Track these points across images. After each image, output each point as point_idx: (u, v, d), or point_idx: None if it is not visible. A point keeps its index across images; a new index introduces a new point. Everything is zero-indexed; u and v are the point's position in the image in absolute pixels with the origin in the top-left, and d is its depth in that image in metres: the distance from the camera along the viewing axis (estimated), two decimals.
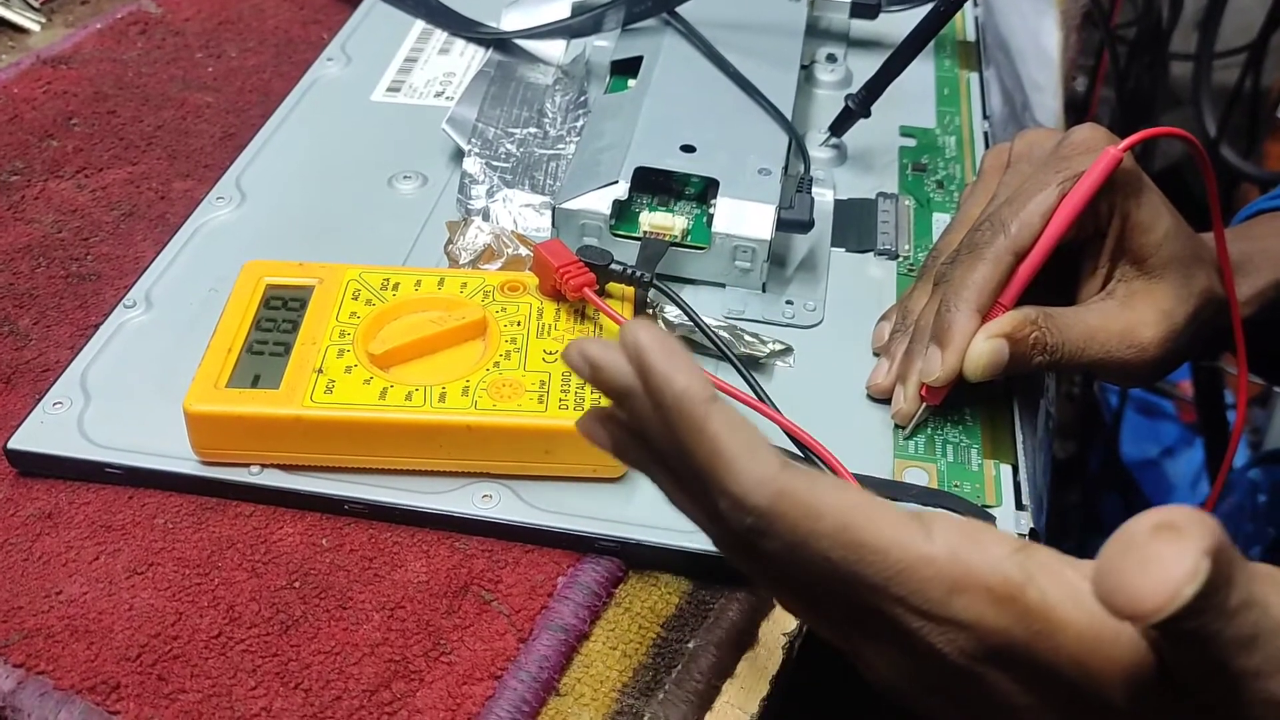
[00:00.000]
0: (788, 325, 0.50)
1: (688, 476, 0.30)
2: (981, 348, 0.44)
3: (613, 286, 0.47)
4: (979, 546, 0.29)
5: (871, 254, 0.55)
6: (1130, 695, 0.28)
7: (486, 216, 0.54)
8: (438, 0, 0.69)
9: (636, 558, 0.42)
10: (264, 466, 0.43)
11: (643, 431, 0.30)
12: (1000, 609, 0.28)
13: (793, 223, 0.51)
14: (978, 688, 0.29)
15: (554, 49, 0.64)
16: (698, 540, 0.41)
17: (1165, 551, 0.24)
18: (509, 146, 0.57)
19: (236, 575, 0.41)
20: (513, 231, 0.51)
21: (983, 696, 0.30)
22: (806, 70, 0.65)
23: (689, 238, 0.51)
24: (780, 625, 0.41)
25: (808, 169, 0.55)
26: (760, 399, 0.43)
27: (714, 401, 0.29)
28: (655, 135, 0.53)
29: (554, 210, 0.51)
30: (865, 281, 0.53)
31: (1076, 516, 1.16)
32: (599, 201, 0.50)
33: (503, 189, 0.55)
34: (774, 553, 0.29)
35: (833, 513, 0.28)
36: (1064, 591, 0.28)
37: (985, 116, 0.64)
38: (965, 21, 0.72)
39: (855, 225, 0.56)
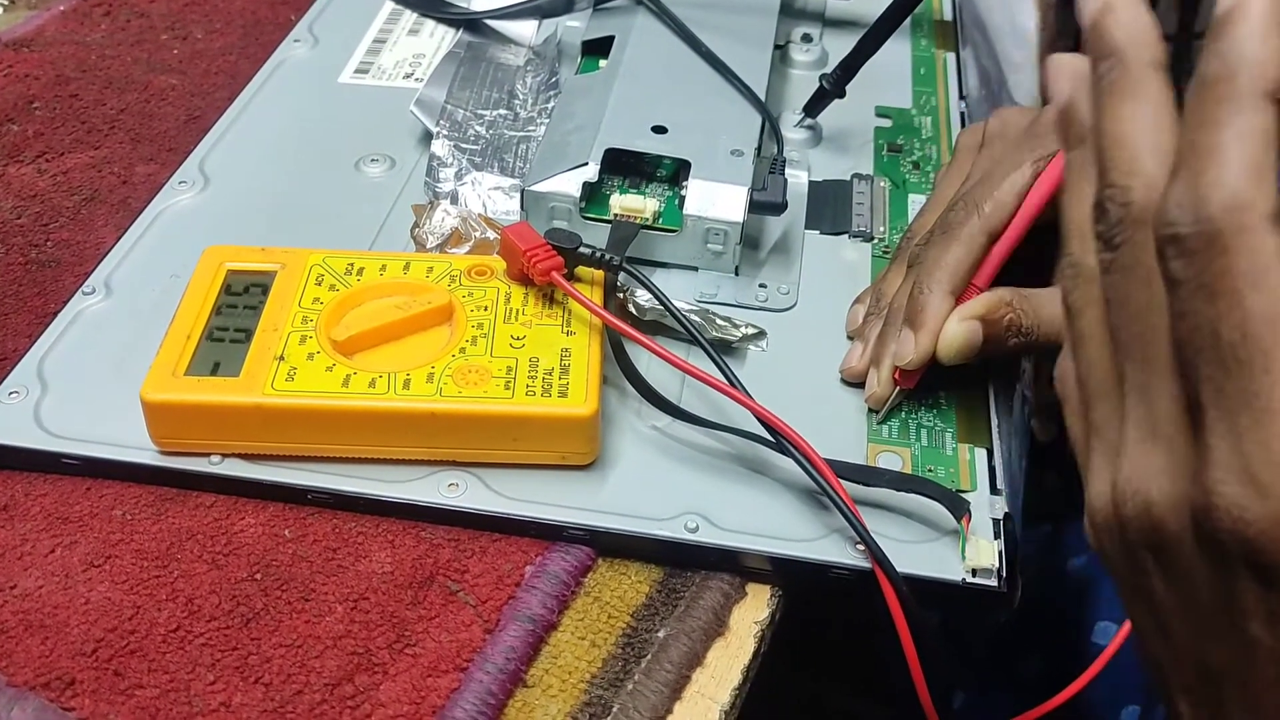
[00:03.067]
0: (761, 309, 0.50)
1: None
2: (955, 330, 0.43)
3: (582, 270, 0.46)
4: None
5: (846, 236, 0.54)
6: None
7: (455, 200, 0.53)
8: None
9: (606, 546, 0.41)
10: (225, 456, 0.42)
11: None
12: None
13: (766, 205, 0.50)
14: (1227, 586, 0.24)
15: (525, 29, 0.63)
16: (668, 528, 0.41)
17: None
18: (478, 128, 0.56)
19: (196, 567, 0.40)
20: (481, 215, 0.50)
21: (1223, 599, 0.25)
22: (781, 50, 0.65)
23: (660, 220, 0.51)
24: (752, 614, 0.41)
25: (781, 150, 0.54)
26: (732, 384, 0.42)
27: (1266, 98, 0.23)
28: (626, 116, 0.52)
29: (522, 193, 0.50)
30: (840, 264, 0.52)
31: (1057, 498, 1.16)
32: (568, 184, 0.50)
33: (472, 171, 0.54)
34: (1172, 277, 0.24)
35: (1266, 294, 0.23)
36: None
37: (962, 96, 0.63)
38: (942, 0, 0.71)
39: (830, 207, 0.55)
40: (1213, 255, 0.23)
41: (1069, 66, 0.29)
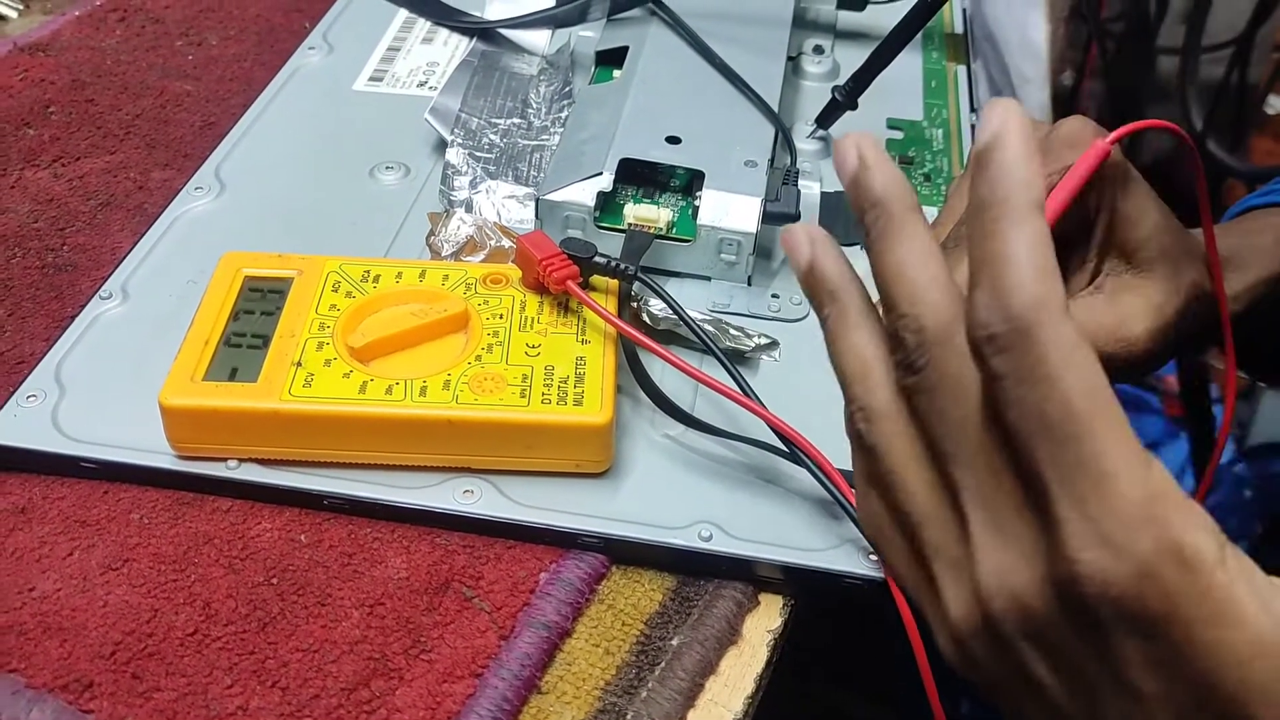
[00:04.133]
0: (773, 319, 0.50)
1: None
2: None
3: (596, 279, 0.46)
4: (1186, 508, 0.25)
5: (858, 247, 0.54)
6: None
7: (469, 208, 0.53)
8: None
9: (620, 554, 0.41)
10: (241, 461, 0.42)
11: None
12: (1180, 572, 0.25)
13: (779, 215, 0.50)
14: (1104, 647, 0.26)
15: (539, 39, 0.64)
16: (682, 536, 0.41)
17: None
18: (492, 137, 0.56)
19: (213, 571, 0.40)
20: (495, 223, 0.51)
21: (1103, 661, 0.26)
22: (793, 62, 0.65)
23: (674, 230, 0.51)
24: (765, 622, 0.41)
25: (794, 161, 0.54)
26: (745, 393, 0.43)
27: (1037, 208, 0.26)
28: (640, 126, 0.53)
29: (537, 202, 0.50)
30: None
31: None
32: (583, 193, 0.50)
33: (486, 180, 0.54)
34: (991, 374, 0.26)
35: (1079, 372, 0.25)
36: (1256, 587, 0.25)
37: (973, 109, 0.63)
38: (953, 13, 0.71)
39: (842, 218, 0.55)
40: (1027, 347, 0.25)
41: (802, 234, 0.31)
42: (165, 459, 0.42)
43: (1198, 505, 0.25)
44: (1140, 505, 0.25)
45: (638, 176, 0.52)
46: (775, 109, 0.55)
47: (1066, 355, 0.25)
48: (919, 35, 0.58)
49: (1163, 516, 0.25)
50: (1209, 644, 0.25)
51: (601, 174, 0.50)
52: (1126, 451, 0.25)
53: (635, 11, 0.62)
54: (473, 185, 0.54)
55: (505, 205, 0.53)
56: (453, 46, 0.65)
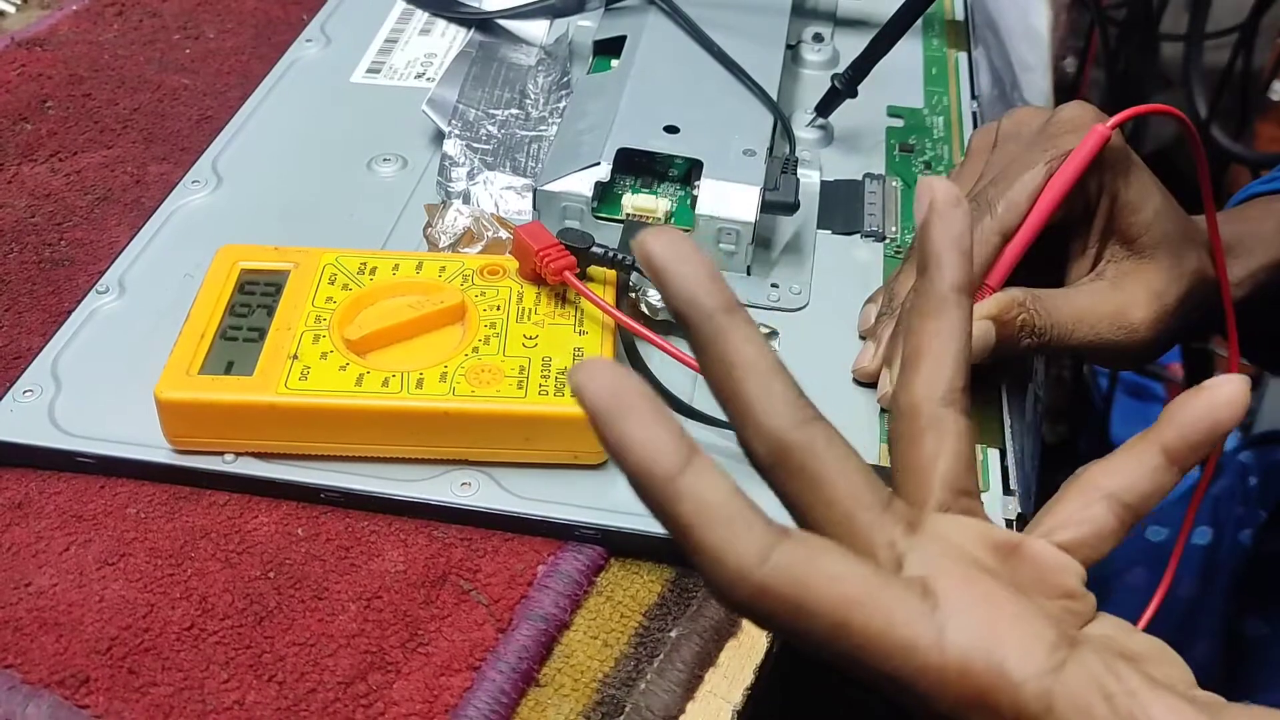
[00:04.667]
0: (773, 308, 0.50)
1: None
2: None
3: (594, 270, 0.46)
4: (999, 658, 0.25)
5: (858, 236, 0.54)
6: None
7: (467, 199, 0.53)
8: None
9: (618, 545, 0.41)
10: (238, 455, 0.42)
11: None
12: None
13: (778, 204, 0.50)
14: None
15: (537, 29, 0.63)
16: None
17: None
18: (490, 128, 0.56)
19: (210, 566, 0.40)
20: (493, 214, 0.50)
21: None
22: (793, 50, 0.65)
23: (673, 220, 0.51)
24: None
25: (793, 150, 0.54)
26: None
27: (680, 475, 0.25)
28: (638, 116, 0.52)
29: (535, 192, 0.50)
30: (851, 264, 0.52)
31: None
32: (581, 183, 0.50)
33: (484, 171, 0.54)
34: (768, 629, 0.27)
35: (827, 609, 0.25)
36: None
37: (974, 96, 0.63)
38: (954, 0, 0.71)
39: (842, 207, 0.55)
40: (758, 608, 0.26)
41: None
42: (162, 453, 0.42)
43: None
44: None
45: (636, 166, 0.52)
46: (774, 97, 0.55)
47: (810, 615, 0.26)
48: (919, 22, 0.58)
49: None
50: None
51: (599, 164, 0.50)
52: None
53: (633, 0, 0.62)
54: (470, 176, 0.54)
55: (503, 196, 0.53)
56: (450, 38, 0.65)
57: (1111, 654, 0.27)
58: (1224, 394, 0.29)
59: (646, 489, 0.25)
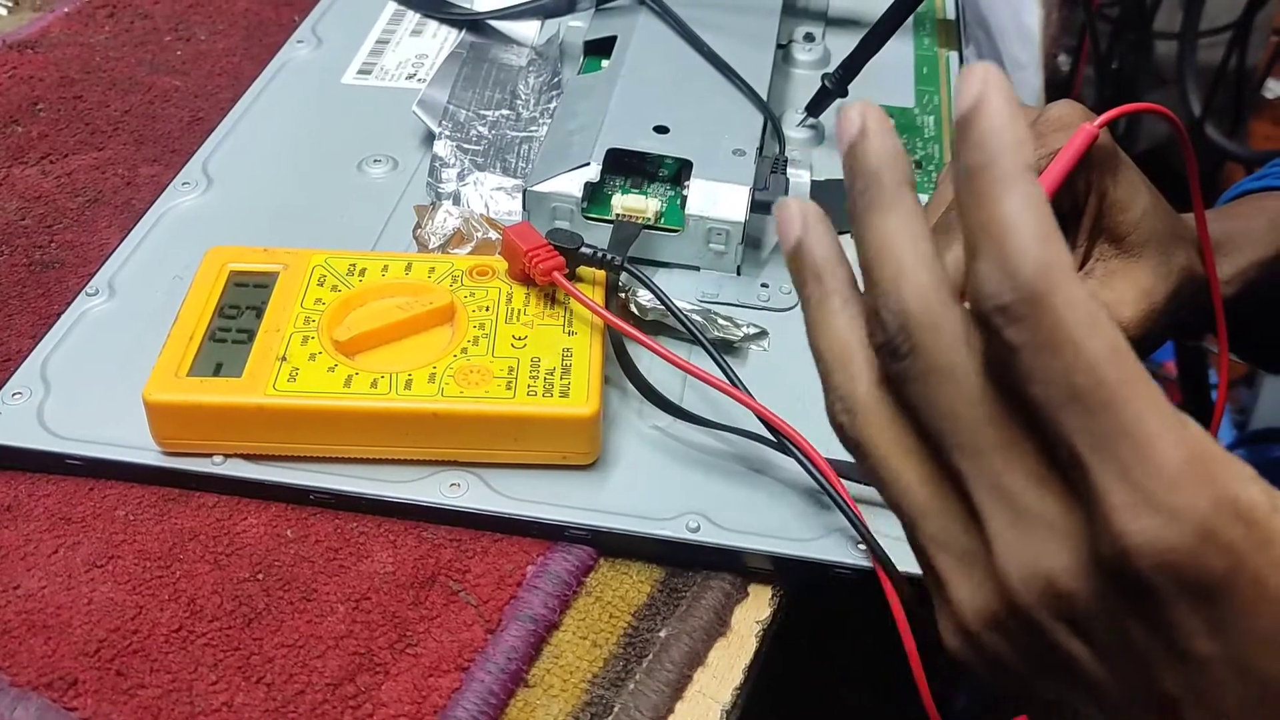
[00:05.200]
0: (762, 308, 0.50)
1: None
2: None
3: (584, 270, 0.46)
4: (1230, 462, 0.24)
5: (848, 235, 0.54)
6: None
7: (457, 200, 0.53)
8: None
9: (608, 546, 0.41)
10: (227, 456, 0.42)
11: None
12: (1239, 527, 0.23)
13: (767, 204, 0.50)
14: (1159, 619, 0.25)
15: (527, 30, 0.63)
16: (670, 528, 0.41)
17: None
18: (481, 129, 0.56)
19: (199, 568, 0.40)
20: (482, 215, 0.50)
21: (1157, 633, 0.25)
22: (783, 49, 0.65)
23: (662, 220, 0.51)
24: (754, 613, 0.41)
25: (783, 150, 0.54)
26: (734, 383, 0.42)
27: (1029, 171, 0.25)
28: (628, 116, 0.52)
29: (525, 193, 0.50)
30: None
31: None
32: (570, 184, 0.50)
33: (474, 172, 0.54)
34: (1006, 347, 0.24)
35: (1106, 348, 0.23)
36: None
37: None
38: None
39: (832, 207, 0.55)
40: (1042, 315, 0.24)
41: (796, 209, 0.31)
42: (150, 455, 0.42)
43: (1238, 458, 0.24)
44: (1188, 465, 0.23)
45: (625, 166, 0.52)
46: (764, 97, 0.55)
47: (1086, 320, 0.24)
48: (910, 21, 0.58)
49: (1212, 474, 0.23)
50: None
51: (589, 164, 0.50)
52: (1163, 413, 0.24)
53: (624, 1, 0.62)
54: (460, 177, 0.54)
55: (493, 197, 0.53)
56: (441, 39, 0.65)
57: None
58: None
59: (991, 165, 0.25)
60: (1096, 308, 0.24)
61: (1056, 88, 0.90)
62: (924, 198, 0.55)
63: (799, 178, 0.55)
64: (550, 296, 0.45)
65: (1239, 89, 1.22)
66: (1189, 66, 1.05)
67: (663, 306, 0.45)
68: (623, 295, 0.47)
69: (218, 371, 0.42)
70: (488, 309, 0.45)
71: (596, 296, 0.45)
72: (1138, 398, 0.24)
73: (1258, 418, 1.24)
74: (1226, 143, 1.06)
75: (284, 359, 0.42)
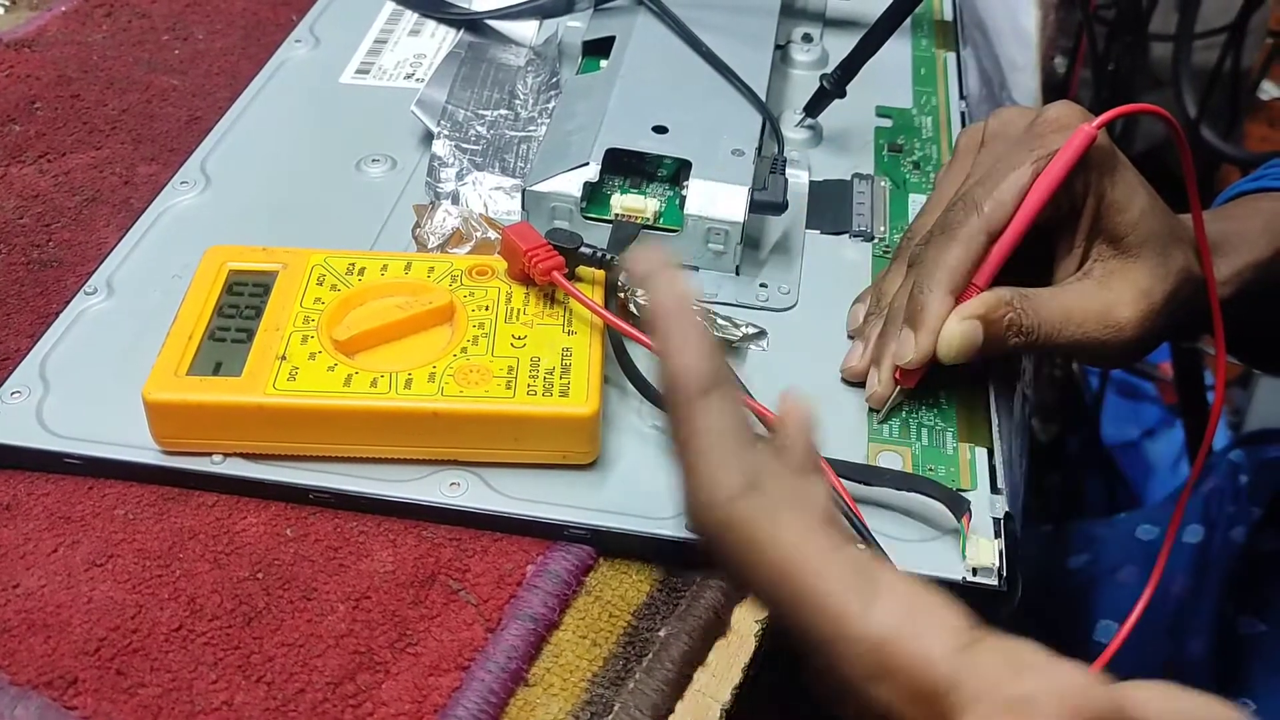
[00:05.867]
0: (761, 308, 0.50)
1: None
2: (955, 329, 0.43)
3: (583, 270, 0.46)
4: (918, 635, 0.28)
5: (846, 236, 0.54)
6: None
7: (456, 200, 0.53)
8: None
9: (608, 545, 0.41)
10: (227, 455, 0.42)
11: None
12: (917, 708, 0.28)
13: (766, 204, 0.50)
14: None
15: (526, 30, 0.63)
16: (669, 527, 0.41)
17: None
18: (479, 129, 0.56)
19: (198, 566, 0.40)
20: (481, 215, 0.50)
21: None
22: (782, 50, 0.65)
23: (661, 220, 0.51)
24: (753, 613, 0.41)
25: (782, 150, 0.54)
26: None
27: (707, 395, 0.29)
28: (627, 116, 0.52)
29: (524, 193, 0.50)
30: (840, 264, 0.52)
31: (1057, 498, 1.16)
32: (569, 184, 0.50)
33: (473, 172, 0.54)
34: (722, 564, 0.30)
35: (774, 556, 0.28)
36: (991, 710, 0.27)
37: (962, 96, 0.63)
38: (942, 0, 0.71)
39: (830, 207, 0.55)
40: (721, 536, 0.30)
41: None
42: (150, 454, 0.42)
43: None
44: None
45: (624, 166, 0.52)
46: (763, 98, 0.55)
47: (758, 561, 0.29)
48: (908, 22, 0.58)
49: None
50: None
51: (588, 164, 0.50)
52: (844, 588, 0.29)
53: (622, 1, 0.62)
54: (459, 177, 0.54)
55: (492, 197, 0.53)
56: (440, 38, 0.65)
57: (1009, 652, 0.29)
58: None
59: (673, 396, 0.29)
60: (761, 528, 0.29)
61: (1052, 90, 0.90)
62: (921, 199, 0.55)
63: (797, 178, 0.56)
64: (549, 296, 0.45)
65: (1234, 91, 1.22)
66: (1184, 68, 1.05)
67: None
68: (622, 295, 0.47)
69: (217, 370, 0.42)
70: (487, 308, 0.45)
71: (596, 296, 0.45)
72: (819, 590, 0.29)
73: (1252, 419, 1.24)
74: (1222, 144, 1.06)
75: (283, 358, 0.42)
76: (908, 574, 0.31)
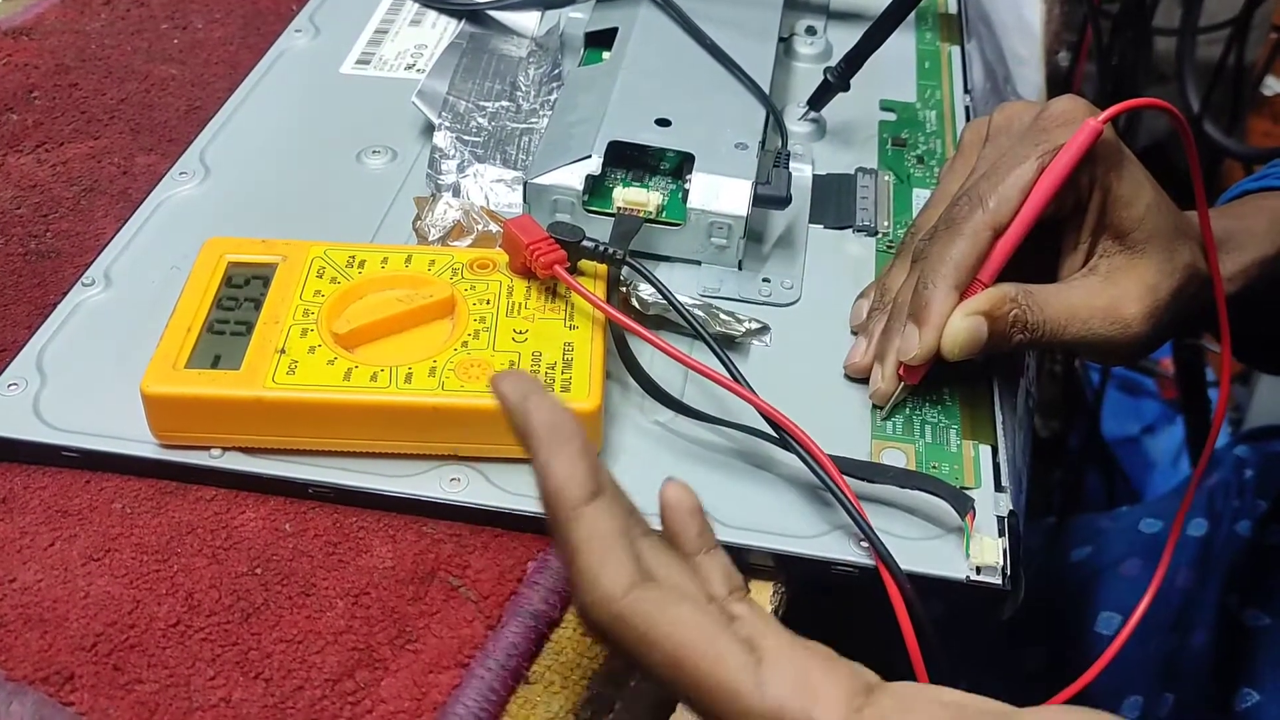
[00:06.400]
0: (764, 303, 0.49)
1: None
2: (959, 325, 0.43)
3: (585, 264, 0.46)
4: (808, 705, 0.29)
5: (850, 230, 0.54)
6: None
7: (457, 192, 0.52)
8: None
9: None
10: (225, 449, 0.42)
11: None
12: None
13: (770, 198, 0.50)
14: None
15: (528, 21, 0.63)
16: None
17: None
18: (480, 120, 0.56)
19: (196, 561, 0.39)
20: (483, 207, 0.50)
21: None
22: (785, 43, 0.64)
23: (664, 214, 0.50)
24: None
25: (785, 143, 0.54)
26: (735, 379, 0.42)
27: (589, 503, 0.30)
28: (630, 109, 0.52)
29: (525, 185, 0.50)
30: (843, 259, 0.52)
31: (1058, 494, 1.16)
32: (571, 177, 0.49)
33: (474, 164, 0.53)
34: (618, 654, 0.31)
35: (666, 646, 0.30)
36: None
37: (967, 90, 0.63)
38: None
39: (834, 201, 0.55)
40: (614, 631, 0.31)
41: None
42: (148, 448, 0.42)
43: None
44: None
45: (627, 159, 0.51)
46: (766, 91, 0.55)
47: (650, 647, 0.30)
48: (912, 15, 0.57)
49: None
50: None
51: (590, 157, 0.49)
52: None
53: None
54: (460, 169, 0.53)
55: (493, 189, 0.53)
56: (441, 29, 0.65)
57: (903, 696, 0.31)
58: (669, 495, 0.35)
59: (554, 508, 0.31)
60: (649, 619, 0.30)
61: (1057, 84, 0.90)
62: (925, 194, 0.55)
63: (801, 171, 0.55)
64: (551, 290, 0.45)
65: (1238, 85, 1.22)
66: (1188, 63, 1.04)
67: (664, 301, 0.45)
68: (624, 289, 0.47)
69: (216, 364, 0.41)
70: (488, 302, 0.44)
71: (598, 290, 0.45)
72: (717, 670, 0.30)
73: (1253, 415, 1.24)
74: (1225, 139, 1.05)
75: (283, 351, 0.42)
76: (794, 639, 0.32)
